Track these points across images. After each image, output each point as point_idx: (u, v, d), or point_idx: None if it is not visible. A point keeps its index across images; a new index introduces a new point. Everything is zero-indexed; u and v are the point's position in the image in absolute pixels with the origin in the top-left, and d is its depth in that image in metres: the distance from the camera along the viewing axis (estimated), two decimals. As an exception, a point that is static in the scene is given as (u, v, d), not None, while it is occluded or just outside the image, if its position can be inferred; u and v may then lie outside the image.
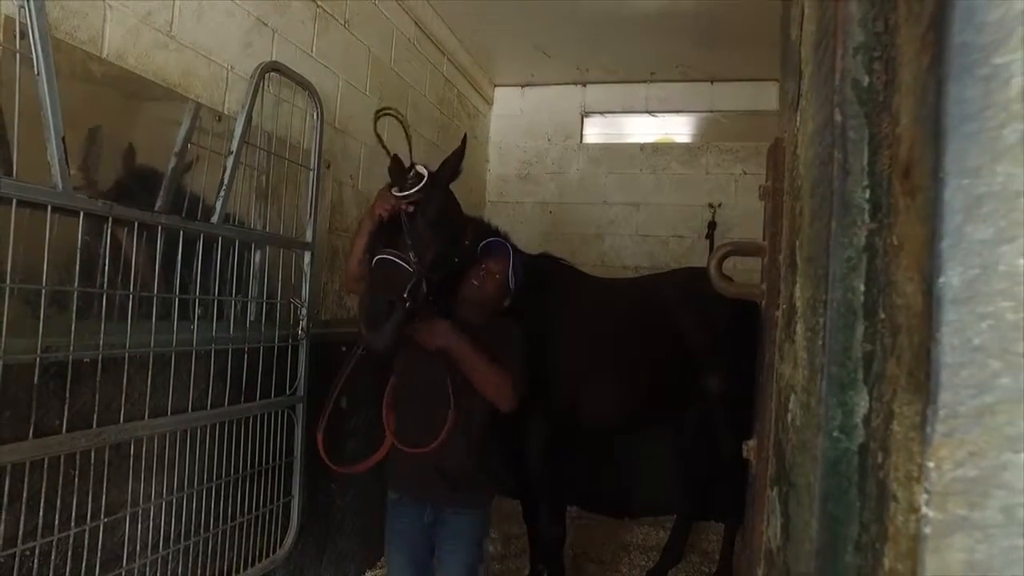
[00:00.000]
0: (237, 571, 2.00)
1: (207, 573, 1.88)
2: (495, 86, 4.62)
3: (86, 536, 1.50)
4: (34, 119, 1.34)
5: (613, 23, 3.47)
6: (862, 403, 0.45)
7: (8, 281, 1.32)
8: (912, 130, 0.41)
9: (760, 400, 0.83)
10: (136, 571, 1.64)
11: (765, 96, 4.05)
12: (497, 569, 2.99)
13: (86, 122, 1.58)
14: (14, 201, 1.29)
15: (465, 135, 1.93)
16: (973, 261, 0.37)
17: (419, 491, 1.82)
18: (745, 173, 4.20)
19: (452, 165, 1.82)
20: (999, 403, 0.37)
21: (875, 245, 0.45)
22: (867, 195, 0.46)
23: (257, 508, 2.05)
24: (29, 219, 1.34)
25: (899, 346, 0.42)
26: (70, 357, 1.44)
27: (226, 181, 1.88)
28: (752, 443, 0.85)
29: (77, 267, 1.46)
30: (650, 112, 4.46)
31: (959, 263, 0.37)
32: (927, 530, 0.37)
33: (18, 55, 1.32)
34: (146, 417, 1.65)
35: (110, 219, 1.51)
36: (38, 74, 1.33)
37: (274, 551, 2.15)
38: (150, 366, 1.65)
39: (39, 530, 1.39)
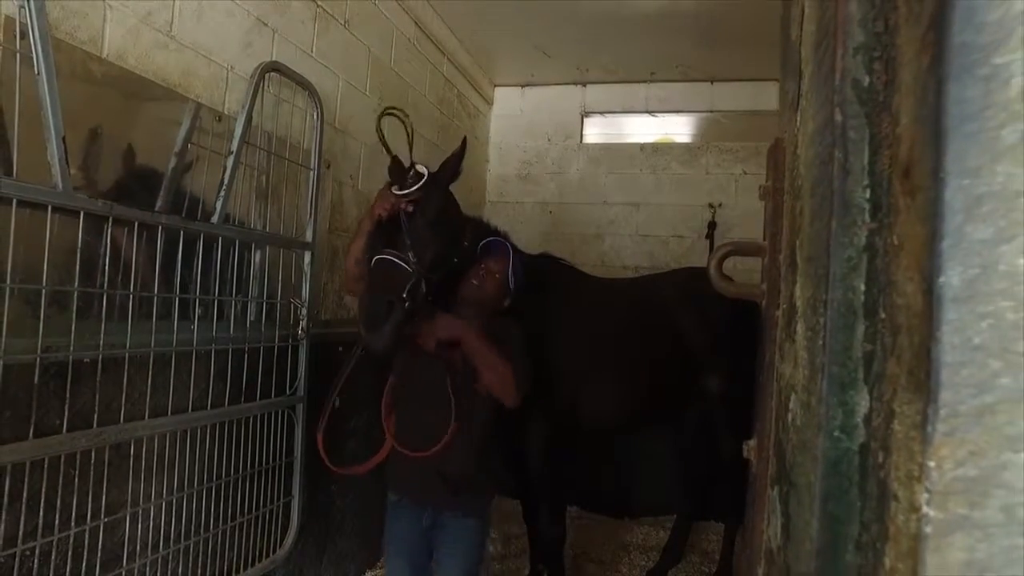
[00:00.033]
0: (237, 571, 2.00)
1: (207, 573, 1.88)
2: (495, 86, 4.62)
3: (86, 536, 1.50)
4: (34, 119, 1.34)
5: (613, 23, 3.47)
6: (863, 403, 0.45)
7: (8, 281, 1.32)
8: (912, 130, 0.41)
9: (760, 400, 0.83)
10: (136, 571, 1.64)
11: (765, 96, 4.05)
12: (497, 569, 2.99)
13: (86, 122, 1.58)
14: (14, 201, 1.29)
15: (465, 137, 1.93)
16: (973, 261, 0.37)
17: (419, 494, 1.81)
18: (745, 173, 4.20)
19: (452, 166, 1.82)
20: (999, 402, 0.37)
21: (875, 245, 0.45)
22: (867, 195, 0.46)
23: (257, 508, 2.05)
24: (29, 219, 1.34)
25: (899, 345, 0.42)
26: (70, 357, 1.44)
27: (226, 181, 1.88)
28: (752, 443, 0.85)
29: (77, 267, 1.46)
30: (650, 112, 4.46)
31: (959, 263, 0.37)
32: (928, 529, 0.37)
33: (18, 55, 1.32)
34: (146, 417, 1.65)
35: (110, 219, 1.51)
36: (38, 74, 1.33)
37: (274, 551, 2.15)
38: (150, 366, 1.65)
39: (39, 530, 1.39)
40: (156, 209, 1.69)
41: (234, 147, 1.91)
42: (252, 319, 2.08)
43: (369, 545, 2.81)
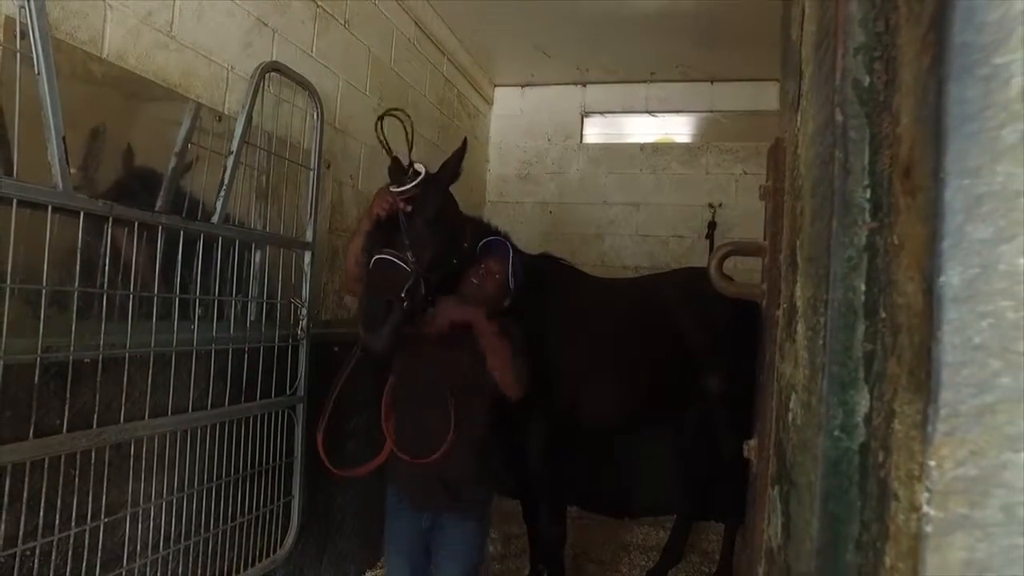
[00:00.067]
0: (237, 571, 2.00)
1: (207, 573, 1.88)
2: (495, 86, 4.62)
3: (86, 536, 1.50)
4: (34, 119, 1.34)
5: (613, 23, 3.47)
6: (863, 402, 0.45)
7: (8, 281, 1.32)
8: (913, 130, 0.41)
9: (761, 399, 0.83)
10: (136, 571, 1.64)
11: (765, 96, 4.05)
12: (497, 569, 2.99)
13: (86, 122, 1.58)
14: (15, 201, 1.29)
15: (465, 138, 1.93)
16: (973, 260, 0.38)
17: (419, 496, 1.81)
18: (745, 173, 4.20)
19: (452, 167, 1.82)
20: (999, 402, 0.37)
21: (876, 244, 0.45)
22: (868, 195, 0.46)
23: (257, 508, 2.05)
24: (29, 219, 1.34)
25: (900, 345, 0.42)
26: (70, 357, 1.44)
27: (226, 181, 1.88)
28: (753, 442, 0.85)
29: (77, 267, 1.46)
30: (650, 112, 4.46)
31: (959, 262, 0.38)
32: (928, 529, 0.37)
33: (19, 55, 1.32)
34: (146, 417, 1.65)
35: (110, 219, 1.51)
36: (38, 74, 1.33)
37: (274, 551, 2.15)
38: (150, 366, 1.65)
39: (39, 530, 1.39)
40: (156, 209, 1.69)
41: (234, 147, 1.91)
42: (252, 319, 2.08)
43: (369, 545, 2.81)
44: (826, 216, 0.51)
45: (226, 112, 2.00)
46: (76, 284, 1.46)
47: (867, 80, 0.46)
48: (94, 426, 1.50)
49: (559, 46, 3.89)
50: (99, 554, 1.53)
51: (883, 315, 0.44)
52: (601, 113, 4.58)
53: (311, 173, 2.27)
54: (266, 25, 2.20)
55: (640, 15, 3.36)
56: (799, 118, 0.65)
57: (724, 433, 2.73)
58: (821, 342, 0.51)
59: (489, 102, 4.60)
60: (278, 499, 2.14)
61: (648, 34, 3.59)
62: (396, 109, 1.74)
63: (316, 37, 2.50)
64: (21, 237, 1.32)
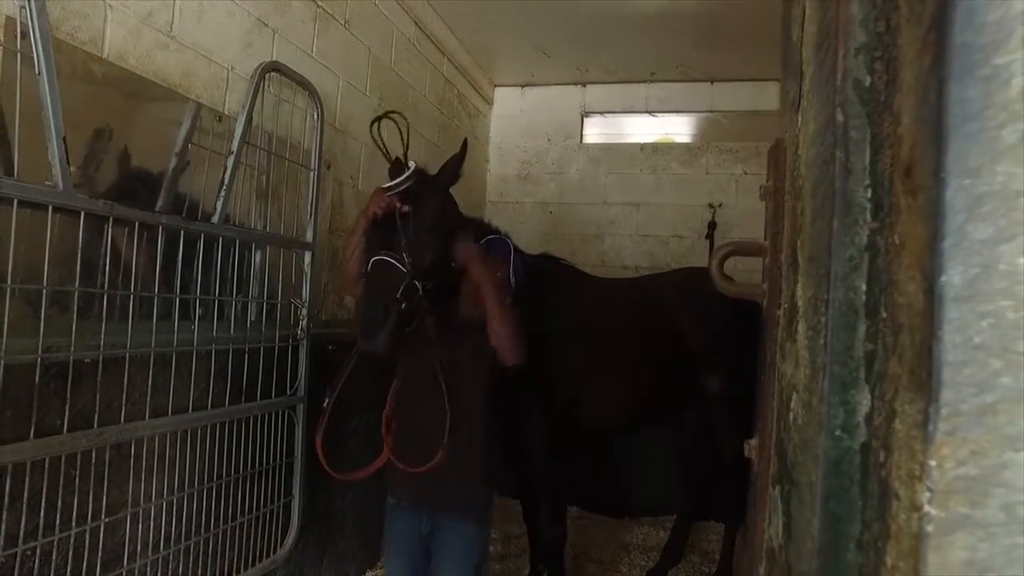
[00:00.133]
0: (237, 571, 2.00)
1: (207, 573, 1.88)
2: (495, 86, 4.62)
3: (87, 536, 1.50)
4: (35, 119, 1.34)
5: (613, 23, 3.47)
6: (864, 402, 0.46)
7: (9, 281, 1.32)
8: (913, 130, 0.42)
9: (762, 399, 0.83)
10: (137, 571, 1.64)
11: (765, 96, 4.05)
12: (497, 569, 2.99)
13: (87, 122, 1.58)
14: (15, 201, 1.29)
15: (466, 139, 1.92)
16: (974, 260, 0.38)
17: (418, 499, 1.80)
18: (745, 173, 4.20)
19: (452, 169, 1.81)
20: (1000, 402, 0.37)
21: (877, 244, 0.45)
22: (869, 194, 0.46)
23: (257, 508, 2.05)
24: (30, 219, 1.34)
25: (901, 345, 0.42)
26: (71, 357, 1.44)
27: (226, 181, 1.88)
28: (754, 442, 0.85)
29: (78, 267, 1.46)
30: (650, 112, 4.46)
31: (960, 262, 0.38)
32: (929, 528, 0.38)
33: (19, 55, 1.32)
34: (147, 417, 1.65)
35: (111, 219, 1.51)
36: (39, 74, 1.33)
37: (274, 551, 2.15)
38: (151, 366, 1.65)
39: (40, 530, 1.39)
40: (156, 209, 1.69)
41: (234, 147, 1.91)
42: (252, 319, 2.08)
43: (369, 545, 2.81)
44: (827, 216, 0.51)
45: (226, 112, 2.00)
46: (76, 284, 1.46)
47: (868, 80, 0.46)
48: (94, 426, 1.50)
49: (559, 46, 3.89)
50: (99, 554, 1.53)
51: (884, 315, 0.44)
52: (601, 113, 4.59)
53: (311, 173, 2.27)
54: (266, 25, 2.21)
55: (640, 15, 3.36)
56: (800, 118, 0.65)
57: (724, 433, 2.73)
58: (822, 342, 0.51)
59: (489, 102, 4.60)
60: (278, 499, 2.14)
61: (648, 34, 3.60)
62: (392, 112, 1.74)
63: (316, 37, 2.50)
64: (22, 237, 1.32)
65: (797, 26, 0.67)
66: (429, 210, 1.72)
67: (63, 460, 1.44)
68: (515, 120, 4.63)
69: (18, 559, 1.35)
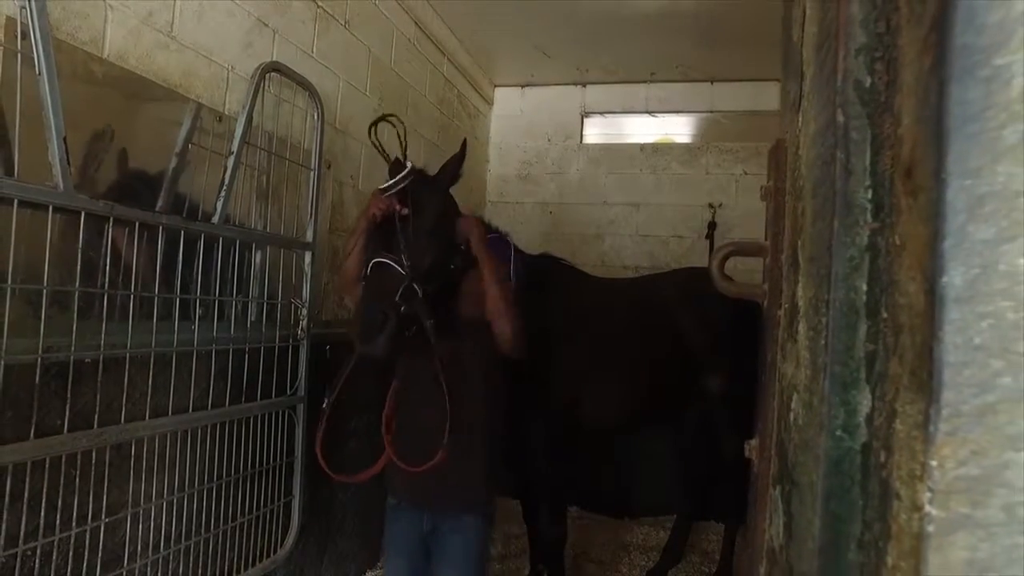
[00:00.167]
0: (238, 571, 2.00)
1: (208, 573, 1.88)
2: (495, 86, 4.63)
3: (87, 536, 1.50)
4: (35, 119, 1.34)
5: (613, 23, 3.48)
6: (865, 402, 0.46)
7: (10, 281, 1.32)
8: (914, 131, 0.42)
9: (762, 399, 0.83)
10: (137, 571, 1.64)
11: (765, 96, 4.05)
12: (497, 569, 2.99)
13: (87, 122, 1.58)
14: (15, 201, 1.29)
15: (465, 140, 1.92)
16: (975, 261, 0.38)
17: (418, 499, 1.80)
18: (746, 173, 4.20)
19: (451, 169, 1.81)
20: (1001, 402, 0.37)
21: (877, 245, 0.45)
22: (869, 195, 0.46)
23: (258, 508, 2.06)
24: (30, 220, 1.35)
25: (901, 345, 0.42)
26: (71, 357, 1.44)
27: (227, 181, 1.88)
28: (754, 442, 0.85)
29: (78, 267, 1.46)
30: (650, 112, 4.46)
31: (961, 263, 0.38)
32: (930, 528, 0.38)
33: (19, 55, 1.32)
34: (147, 417, 1.65)
35: (111, 219, 1.51)
36: (39, 74, 1.33)
37: (275, 551, 2.15)
38: (151, 366, 1.65)
39: (40, 530, 1.40)
40: (157, 209, 1.69)
41: (235, 147, 1.91)
42: (252, 319, 2.08)
43: (370, 545, 2.81)
44: (828, 216, 0.51)
45: (226, 112, 2.00)
46: (77, 284, 1.46)
47: (868, 81, 0.46)
48: (95, 426, 1.50)
49: (559, 46, 3.89)
50: (100, 554, 1.53)
51: (885, 315, 0.44)
52: (601, 113, 4.59)
53: (311, 173, 2.27)
54: (266, 25, 2.21)
55: (640, 15, 3.36)
56: (800, 119, 0.65)
57: (725, 433, 2.73)
58: (823, 342, 0.51)
59: (489, 102, 4.60)
60: (278, 499, 2.14)
61: (648, 34, 3.60)
62: (389, 115, 1.74)
63: (316, 37, 2.50)
64: (22, 237, 1.32)
65: (797, 27, 0.67)
66: (428, 212, 1.71)
67: (63, 460, 1.44)
68: (515, 120, 4.63)
69: (19, 559, 1.35)
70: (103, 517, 1.54)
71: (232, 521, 1.96)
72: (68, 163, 1.39)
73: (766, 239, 0.84)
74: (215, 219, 1.86)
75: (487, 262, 1.76)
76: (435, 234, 1.72)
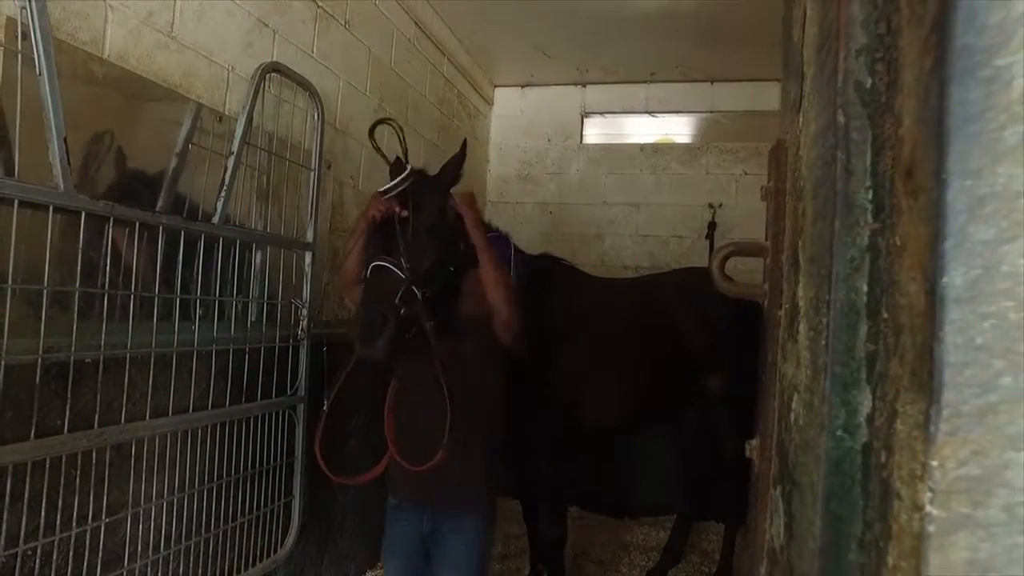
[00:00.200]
0: (238, 571, 2.00)
1: (208, 573, 1.88)
2: (495, 86, 4.63)
3: (87, 536, 1.50)
4: (36, 119, 1.34)
5: (613, 23, 3.48)
6: (865, 402, 0.46)
7: (10, 282, 1.32)
8: (915, 131, 0.42)
9: (763, 399, 0.83)
10: (137, 571, 1.64)
11: (765, 96, 4.05)
12: (497, 569, 2.99)
13: (88, 123, 1.58)
14: (16, 202, 1.29)
15: (465, 141, 1.92)
16: (975, 261, 0.38)
17: (419, 498, 1.79)
18: (746, 173, 4.21)
19: (451, 171, 1.81)
20: (1002, 402, 0.37)
21: (878, 245, 0.45)
22: (870, 195, 0.46)
23: (258, 508, 2.06)
24: (31, 220, 1.35)
25: (902, 346, 0.42)
26: (71, 357, 1.44)
27: (227, 182, 1.88)
28: (755, 442, 0.85)
29: (79, 268, 1.46)
30: (650, 112, 4.46)
31: (962, 263, 0.38)
32: (931, 528, 0.38)
33: (20, 55, 1.32)
34: (147, 417, 1.65)
35: (111, 219, 1.51)
36: (40, 75, 1.33)
37: (275, 551, 2.15)
38: (151, 366, 1.65)
39: (41, 530, 1.40)
40: (157, 209, 1.69)
41: (235, 147, 1.91)
42: (253, 319, 2.08)
43: (370, 545, 2.81)
44: (828, 217, 0.51)
45: (227, 112, 2.00)
46: (77, 284, 1.46)
47: (869, 82, 0.47)
48: (95, 426, 1.50)
49: (559, 46, 3.89)
50: (100, 554, 1.53)
51: (885, 315, 0.44)
52: (601, 113, 4.59)
53: (312, 174, 2.27)
54: (266, 26, 2.21)
55: (640, 15, 3.36)
56: (801, 119, 0.65)
57: (725, 433, 2.74)
58: (823, 342, 0.52)
59: (489, 102, 4.60)
60: (279, 499, 2.14)
61: (648, 34, 3.60)
62: (388, 119, 1.74)
63: (316, 37, 2.50)
64: (22, 238, 1.32)
65: (798, 27, 0.68)
66: (428, 213, 1.71)
67: (64, 460, 1.44)
68: (515, 120, 4.63)
69: (19, 559, 1.35)
70: (103, 517, 1.54)
71: (232, 521, 1.96)
72: (68, 163, 1.39)
73: (766, 239, 0.84)
74: (215, 219, 1.86)
75: (481, 241, 1.74)
76: (435, 236, 1.71)
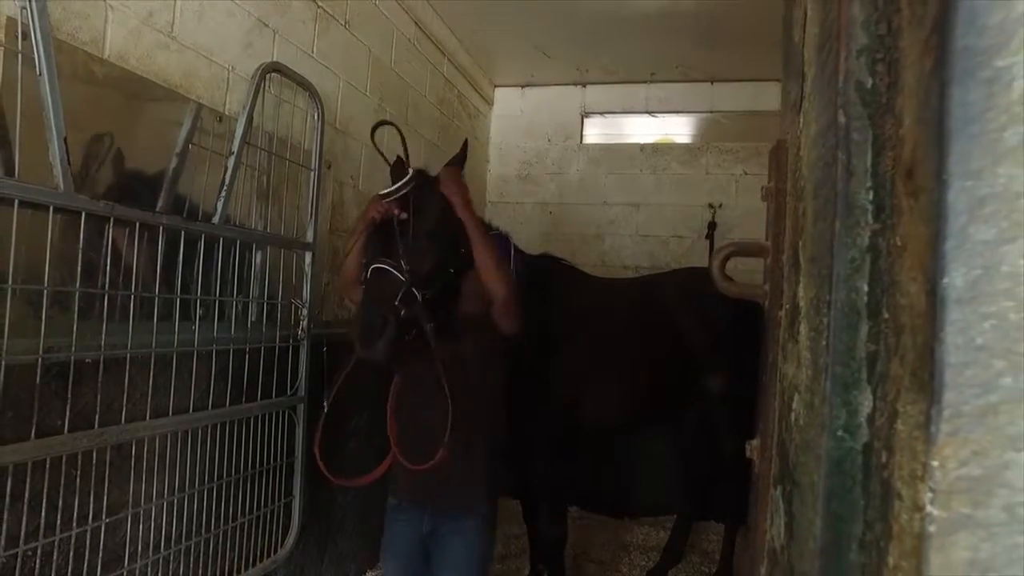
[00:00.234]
0: (238, 571, 2.00)
1: (208, 573, 1.88)
2: (495, 86, 4.63)
3: (88, 536, 1.50)
4: (36, 120, 1.34)
5: (613, 23, 3.48)
6: (866, 403, 0.46)
7: (10, 282, 1.32)
8: (915, 132, 0.42)
9: (763, 400, 0.84)
10: (138, 571, 1.64)
11: (765, 97, 4.05)
12: (497, 569, 2.99)
13: (88, 123, 1.58)
14: (16, 202, 1.29)
15: (466, 141, 1.91)
16: (976, 262, 0.38)
17: (420, 497, 1.79)
18: (746, 173, 4.21)
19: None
20: (1002, 402, 0.37)
21: (879, 246, 0.45)
22: (871, 196, 0.46)
23: (258, 508, 2.06)
24: (31, 220, 1.35)
25: (903, 346, 0.42)
26: (72, 358, 1.44)
27: (227, 182, 1.88)
28: (755, 442, 0.85)
29: (79, 268, 1.46)
30: (650, 112, 4.46)
31: (962, 263, 0.38)
32: (931, 528, 0.38)
33: (20, 56, 1.32)
34: (147, 417, 1.65)
35: (111, 220, 1.51)
36: (40, 75, 1.33)
37: (275, 551, 2.15)
38: (151, 366, 1.65)
39: (41, 530, 1.40)
40: (157, 210, 1.69)
41: (235, 147, 1.91)
42: (253, 319, 2.08)
43: (370, 545, 2.81)
44: (829, 217, 0.51)
45: (227, 113, 2.00)
46: (77, 284, 1.46)
47: (870, 82, 0.47)
48: (95, 426, 1.50)
49: (559, 46, 3.89)
50: (100, 554, 1.53)
51: (886, 316, 0.44)
52: (601, 113, 4.59)
53: (312, 174, 2.27)
54: (267, 26, 2.21)
55: (640, 15, 3.36)
56: (801, 120, 0.65)
57: (725, 433, 2.74)
58: (824, 343, 0.52)
59: (489, 102, 4.60)
60: (279, 499, 2.14)
61: (648, 34, 3.60)
62: (389, 121, 1.74)
63: (316, 37, 2.50)
64: (23, 238, 1.32)
65: (799, 27, 0.68)
66: (428, 215, 1.71)
67: (64, 460, 1.44)
68: (515, 120, 4.63)
69: (19, 559, 1.35)
70: (104, 517, 1.54)
71: (232, 521, 1.96)
72: (69, 163, 1.39)
73: (767, 239, 0.85)
74: (215, 219, 1.86)
75: (471, 221, 1.72)
76: (435, 237, 1.71)
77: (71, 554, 1.46)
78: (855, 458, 0.46)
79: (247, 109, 1.94)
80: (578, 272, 2.79)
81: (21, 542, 1.35)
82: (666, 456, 3.39)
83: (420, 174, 1.75)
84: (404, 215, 1.67)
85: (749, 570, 0.90)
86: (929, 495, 0.38)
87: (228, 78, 2.04)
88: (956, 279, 0.38)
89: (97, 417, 1.50)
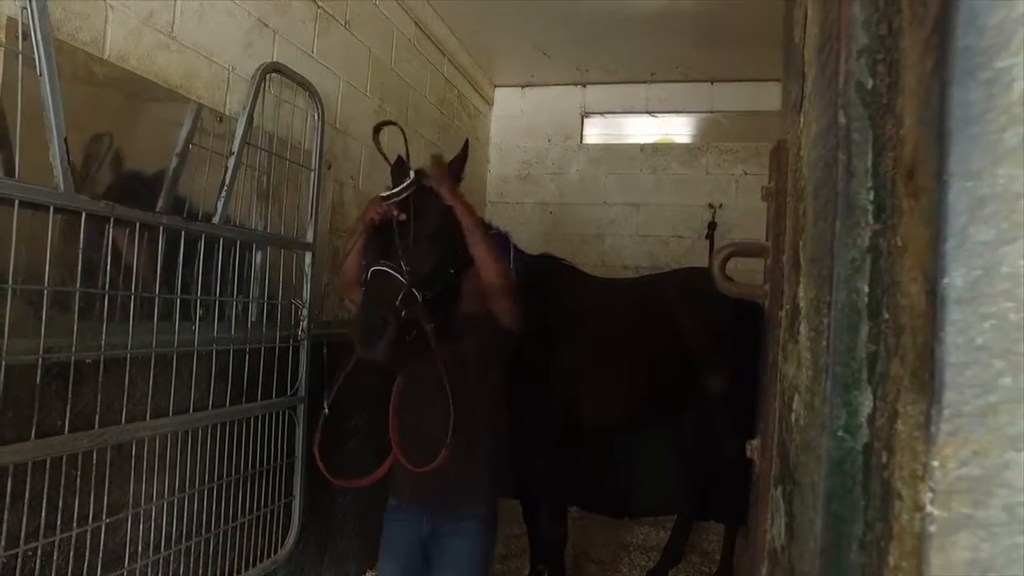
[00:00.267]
0: (238, 572, 2.00)
1: (208, 573, 1.88)
2: (495, 86, 4.63)
3: (88, 537, 1.50)
4: (36, 120, 1.34)
5: (613, 23, 3.48)
6: (866, 403, 0.46)
7: (10, 282, 1.32)
8: (916, 132, 0.42)
9: (764, 400, 0.84)
10: (138, 571, 1.64)
11: (765, 97, 4.05)
12: (497, 569, 2.99)
13: (88, 123, 1.58)
14: (16, 202, 1.29)
15: (467, 141, 1.91)
16: (976, 262, 0.38)
17: (420, 498, 1.79)
18: (746, 174, 4.21)
19: (453, 172, 1.81)
20: (1002, 403, 0.37)
21: (879, 246, 0.45)
22: (871, 196, 0.46)
23: (258, 508, 2.06)
24: (31, 220, 1.35)
25: (903, 346, 0.42)
26: (72, 358, 1.44)
27: (227, 182, 1.88)
28: (756, 443, 0.85)
29: (79, 268, 1.46)
30: (650, 112, 4.47)
31: (963, 264, 0.38)
32: (932, 528, 0.38)
33: (20, 56, 1.32)
34: (148, 418, 1.65)
35: (112, 220, 1.51)
36: (40, 75, 1.33)
37: (275, 551, 2.15)
38: (152, 367, 1.65)
39: (41, 530, 1.40)
40: (157, 210, 1.69)
41: (235, 148, 1.91)
42: (253, 320, 2.08)
43: (370, 545, 2.81)
44: (829, 217, 0.51)
45: (227, 113, 2.00)
46: (77, 285, 1.46)
47: (870, 83, 0.47)
48: (95, 427, 1.50)
49: (559, 46, 3.89)
50: (100, 555, 1.53)
51: (886, 316, 0.44)
52: (601, 113, 4.59)
53: (312, 174, 2.27)
54: (267, 26, 2.21)
55: (640, 15, 3.37)
56: (802, 120, 0.65)
57: (725, 433, 2.74)
58: (824, 343, 0.52)
59: (489, 102, 4.60)
60: (279, 499, 2.14)
61: (648, 34, 3.60)
62: (391, 122, 1.74)
63: (317, 38, 2.50)
64: (23, 238, 1.32)
65: (799, 28, 0.68)
66: (429, 216, 1.71)
67: (64, 460, 1.44)
68: (515, 120, 4.63)
69: (19, 560, 1.35)
70: (104, 517, 1.54)
71: (232, 521, 1.96)
72: (69, 164, 1.39)
73: (767, 240, 0.85)
74: (215, 219, 1.86)
75: (464, 211, 1.72)
76: (435, 239, 1.71)
77: (71, 554, 1.46)
78: (855, 458, 0.46)
79: (247, 109, 1.94)
80: (578, 272, 2.79)
81: (21, 542, 1.35)
82: (666, 456, 3.39)
83: (421, 174, 1.75)
84: (403, 216, 1.67)
85: (749, 570, 0.90)
86: (929, 495, 0.38)
87: (228, 78, 2.04)
88: (956, 279, 0.38)
89: (97, 417, 1.50)
